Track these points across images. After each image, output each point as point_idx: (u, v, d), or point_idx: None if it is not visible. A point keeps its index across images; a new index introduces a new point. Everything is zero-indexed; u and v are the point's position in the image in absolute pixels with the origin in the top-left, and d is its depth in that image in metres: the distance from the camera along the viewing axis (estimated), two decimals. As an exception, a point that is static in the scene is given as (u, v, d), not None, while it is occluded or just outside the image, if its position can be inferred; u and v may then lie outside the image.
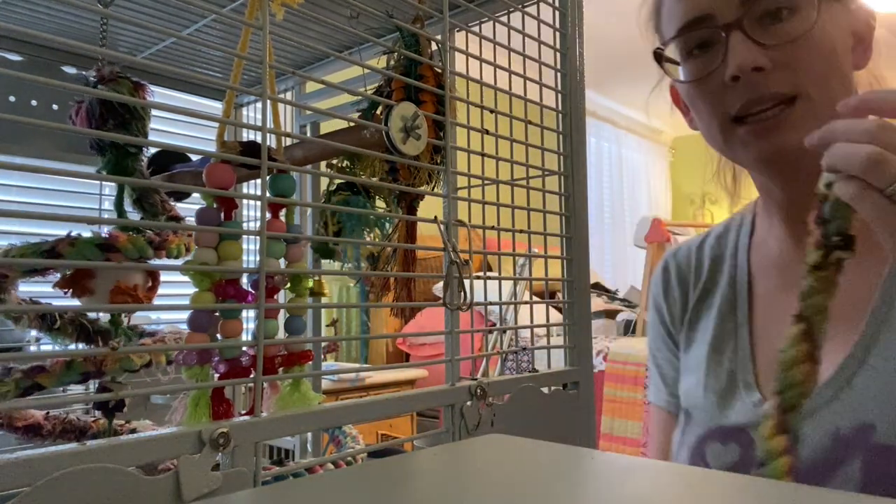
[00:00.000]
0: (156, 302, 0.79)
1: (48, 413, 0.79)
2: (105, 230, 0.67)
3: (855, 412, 0.57)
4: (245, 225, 0.97)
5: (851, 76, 0.63)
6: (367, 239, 0.69)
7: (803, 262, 0.45)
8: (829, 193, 0.44)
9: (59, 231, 0.67)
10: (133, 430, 0.79)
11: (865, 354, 0.58)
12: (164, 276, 0.77)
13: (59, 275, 0.67)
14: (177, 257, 0.72)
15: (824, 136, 0.46)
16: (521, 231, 0.70)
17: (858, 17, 0.63)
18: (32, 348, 0.96)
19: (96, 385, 0.76)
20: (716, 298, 0.74)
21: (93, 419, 0.80)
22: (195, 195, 0.75)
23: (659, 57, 0.67)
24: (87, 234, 0.66)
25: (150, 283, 0.72)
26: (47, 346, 0.93)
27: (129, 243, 0.65)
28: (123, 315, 0.74)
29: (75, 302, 0.67)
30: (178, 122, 1.31)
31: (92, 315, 0.75)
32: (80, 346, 0.74)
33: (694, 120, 0.69)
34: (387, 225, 0.69)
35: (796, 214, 0.66)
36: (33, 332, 0.91)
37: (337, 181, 0.72)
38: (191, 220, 0.75)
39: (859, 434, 0.56)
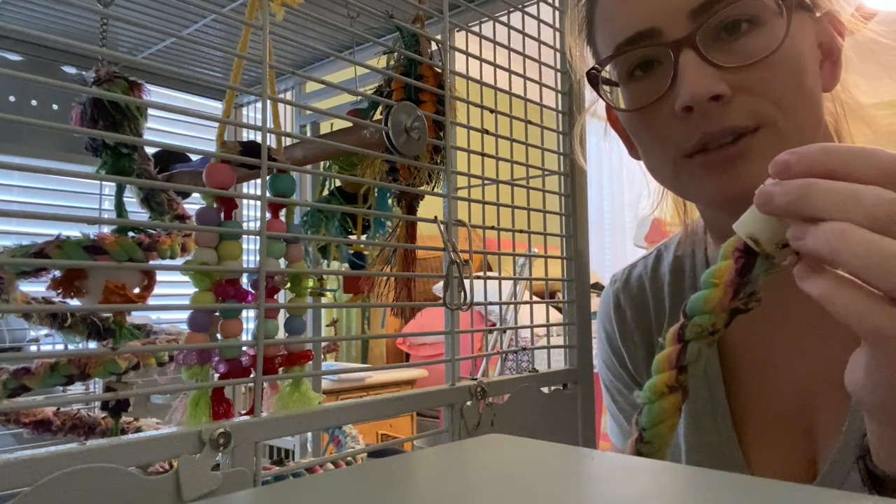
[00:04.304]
0: (156, 302, 0.79)
1: (59, 409, 0.80)
2: (94, 232, 0.67)
3: None
4: (245, 225, 0.97)
5: (821, 100, 0.53)
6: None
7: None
8: (765, 249, 0.35)
9: (58, 231, 0.67)
10: (139, 429, 0.79)
11: (858, 445, 0.51)
12: (164, 276, 0.77)
13: (55, 276, 0.67)
14: (171, 258, 0.72)
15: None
16: (521, 231, 0.70)
17: (825, 26, 0.53)
18: (32, 349, 0.96)
19: (97, 384, 0.76)
20: None
21: (102, 416, 0.80)
22: (195, 195, 0.75)
23: (594, 79, 0.57)
24: (76, 234, 0.66)
25: (145, 283, 0.72)
26: (47, 347, 0.93)
27: (117, 245, 0.65)
28: (118, 315, 0.75)
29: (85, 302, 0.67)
30: (178, 122, 1.31)
31: (105, 314, 0.75)
32: (92, 344, 0.74)
33: (636, 149, 0.60)
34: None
35: None
36: (33, 332, 0.91)
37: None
38: (191, 221, 0.75)
39: None
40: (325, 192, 0.75)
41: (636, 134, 0.57)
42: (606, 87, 0.59)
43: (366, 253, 0.71)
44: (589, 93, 0.71)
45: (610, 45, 0.54)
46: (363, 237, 0.73)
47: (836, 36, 0.54)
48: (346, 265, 0.72)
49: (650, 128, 0.54)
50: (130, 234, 0.70)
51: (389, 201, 0.68)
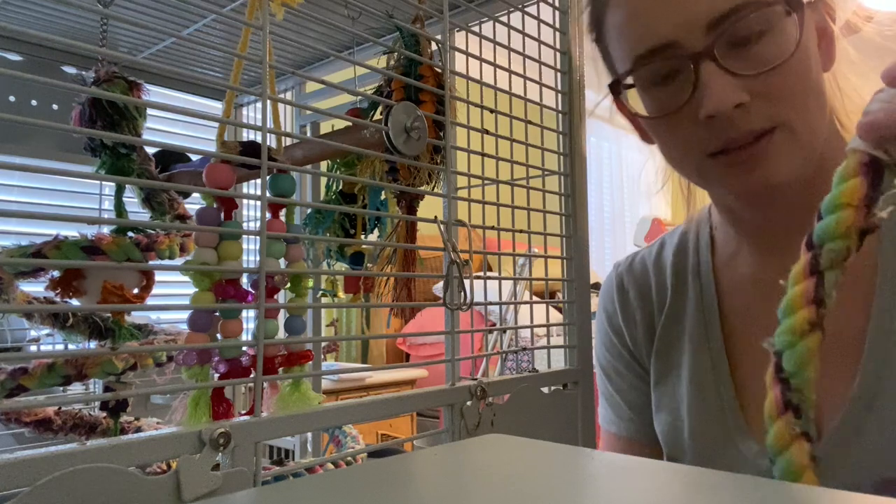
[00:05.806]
0: (156, 302, 0.79)
1: (60, 408, 0.80)
2: (92, 232, 0.67)
3: (875, 467, 0.51)
4: (245, 225, 0.97)
5: (824, 85, 0.56)
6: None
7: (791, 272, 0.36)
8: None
9: (58, 231, 0.67)
10: (139, 429, 0.79)
11: (871, 398, 0.53)
12: (164, 276, 0.77)
13: (53, 276, 0.67)
14: (170, 258, 0.72)
15: None
16: (521, 231, 0.70)
17: (819, 10, 0.57)
18: (32, 348, 0.96)
19: (97, 384, 0.76)
20: (685, 325, 0.68)
21: (103, 416, 0.81)
22: (195, 195, 0.75)
23: (616, 87, 0.60)
24: (74, 234, 0.66)
25: (144, 283, 0.72)
26: (47, 347, 0.93)
27: (115, 245, 0.65)
28: (116, 315, 0.74)
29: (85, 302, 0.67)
30: (179, 122, 1.31)
31: (105, 314, 0.75)
32: (93, 343, 0.74)
33: (649, 136, 0.64)
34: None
35: (770, 238, 0.62)
36: (34, 332, 0.91)
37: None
38: (191, 221, 0.75)
39: (885, 492, 0.49)
40: (330, 194, 0.75)
41: (658, 136, 0.61)
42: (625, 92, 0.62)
43: (364, 254, 0.71)
44: (593, 94, 0.74)
45: (628, 55, 0.57)
46: (362, 237, 0.73)
47: (828, 18, 0.57)
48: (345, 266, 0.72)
49: (673, 131, 0.58)
50: (129, 234, 0.70)
51: (381, 196, 0.68)
